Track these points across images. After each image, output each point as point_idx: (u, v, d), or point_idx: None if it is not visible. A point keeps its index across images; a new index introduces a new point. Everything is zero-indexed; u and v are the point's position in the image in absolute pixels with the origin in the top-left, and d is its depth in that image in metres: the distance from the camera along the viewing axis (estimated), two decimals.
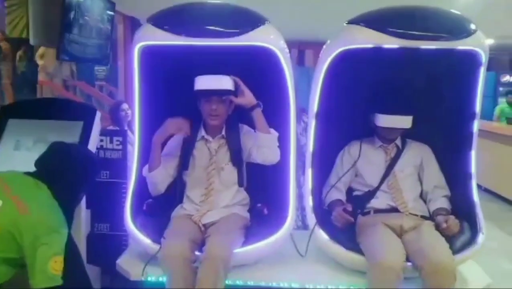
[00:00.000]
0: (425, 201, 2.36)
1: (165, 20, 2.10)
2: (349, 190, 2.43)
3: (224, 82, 2.16)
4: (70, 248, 1.70)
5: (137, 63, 2.21)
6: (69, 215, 1.80)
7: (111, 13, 4.94)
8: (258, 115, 2.18)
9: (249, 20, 2.09)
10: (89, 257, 2.37)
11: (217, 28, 2.04)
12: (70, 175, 1.85)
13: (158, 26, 2.07)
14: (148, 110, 2.31)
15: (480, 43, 2.08)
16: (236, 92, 2.20)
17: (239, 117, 2.33)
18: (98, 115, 2.46)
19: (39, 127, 2.42)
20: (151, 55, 2.21)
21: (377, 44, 2.06)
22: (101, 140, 2.60)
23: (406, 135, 2.39)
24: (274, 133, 2.21)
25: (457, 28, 2.04)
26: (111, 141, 2.63)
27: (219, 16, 2.13)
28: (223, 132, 2.30)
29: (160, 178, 2.23)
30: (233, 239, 2.05)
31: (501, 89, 10.75)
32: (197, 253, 2.03)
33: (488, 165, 5.56)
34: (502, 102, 8.19)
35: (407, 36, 1.99)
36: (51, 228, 1.64)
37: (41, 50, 5.74)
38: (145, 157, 2.28)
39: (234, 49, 2.09)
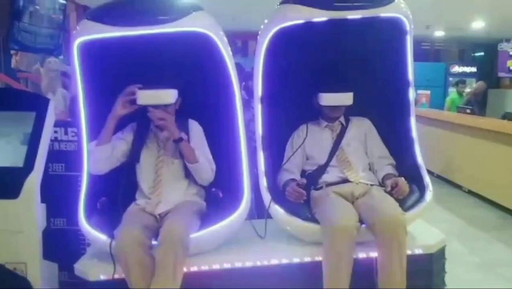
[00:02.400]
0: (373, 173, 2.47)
1: (101, 13, 2.10)
2: (302, 173, 2.50)
3: (164, 97, 2.15)
4: None
5: (77, 59, 2.16)
6: None
7: (63, 1, 4.78)
8: (182, 148, 2.19)
9: (183, 7, 2.12)
10: (46, 253, 2.29)
11: (151, 16, 2.06)
12: None
13: (95, 20, 2.07)
14: (93, 106, 2.25)
15: (401, 10, 2.22)
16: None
17: (190, 112, 2.34)
18: (52, 105, 2.38)
19: None
20: (92, 50, 2.17)
21: (307, 18, 2.16)
22: (56, 132, 2.52)
23: (348, 111, 2.50)
24: (201, 160, 2.21)
25: None
26: (66, 133, 2.55)
27: (154, 5, 2.15)
28: None
29: (105, 155, 2.16)
30: (188, 221, 2.05)
31: (451, 79, 11.20)
32: (154, 242, 2.00)
33: (438, 151, 5.82)
34: (452, 93, 8.51)
35: (333, 7, 2.13)
36: None
37: None
38: None
39: (172, 37, 2.10)
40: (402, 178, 2.26)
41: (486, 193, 5.05)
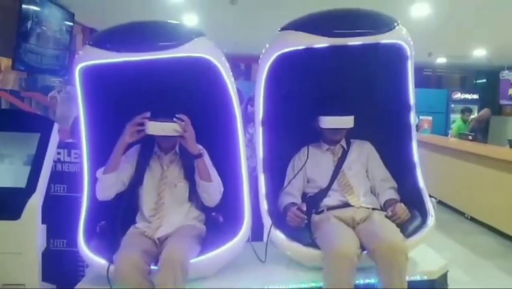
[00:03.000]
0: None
1: (103, 39, 2.12)
2: (303, 195, 2.48)
3: (170, 129, 2.15)
4: None
5: (79, 85, 2.17)
6: None
7: (70, 23, 4.86)
8: (200, 164, 2.19)
9: (185, 33, 2.14)
10: (45, 275, 2.27)
11: (154, 42, 2.06)
12: None
13: (97, 45, 2.08)
14: (95, 129, 2.25)
15: (402, 36, 2.22)
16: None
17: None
18: (56, 127, 2.40)
19: None
20: (94, 76, 2.18)
21: (308, 45, 2.17)
22: (58, 153, 2.53)
23: (350, 135, 2.50)
24: (215, 180, 2.23)
25: (379, 23, 2.18)
26: (69, 154, 2.56)
27: (156, 31, 2.16)
28: (177, 148, 2.30)
29: (112, 183, 2.17)
30: (188, 245, 2.03)
31: (452, 105, 11.25)
32: (153, 267, 1.99)
33: (440, 177, 5.80)
34: (457, 119, 8.50)
35: (334, 34, 2.12)
36: None
37: None
38: (95, 175, 2.21)
39: (174, 62, 2.11)
40: (401, 204, 2.25)
41: (489, 220, 5.01)
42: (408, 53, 2.28)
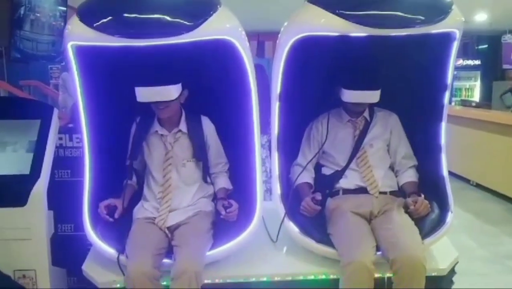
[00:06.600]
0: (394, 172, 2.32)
1: (94, 15, 1.76)
2: (317, 166, 2.36)
3: (166, 93, 1.98)
4: None
5: (73, 61, 1.92)
6: None
7: (64, 8, 4.79)
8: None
9: (199, 9, 1.80)
10: (54, 259, 2.30)
11: (160, 25, 1.74)
12: None
13: (87, 23, 1.74)
14: (94, 109, 2.13)
15: (456, 22, 1.89)
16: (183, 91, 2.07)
17: (199, 107, 2.23)
18: (56, 112, 2.39)
19: None
20: (89, 52, 1.93)
21: (341, 32, 1.85)
22: (60, 138, 2.52)
23: (376, 104, 2.25)
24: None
25: (431, 10, 1.84)
26: (71, 139, 2.55)
27: (162, 6, 1.80)
28: (181, 126, 2.17)
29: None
30: (202, 248, 1.96)
31: (455, 72, 11.14)
32: (165, 260, 1.95)
33: (446, 146, 5.78)
34: None
35: (376, 24, 1.78)
36: None
37: None
38: (96, 158, 2.16)
39: (185, 44, 1.82)
40: (423, 199, 2.10)
41: (495, 186, 5.01)
42: (458, 36, 1.96)
